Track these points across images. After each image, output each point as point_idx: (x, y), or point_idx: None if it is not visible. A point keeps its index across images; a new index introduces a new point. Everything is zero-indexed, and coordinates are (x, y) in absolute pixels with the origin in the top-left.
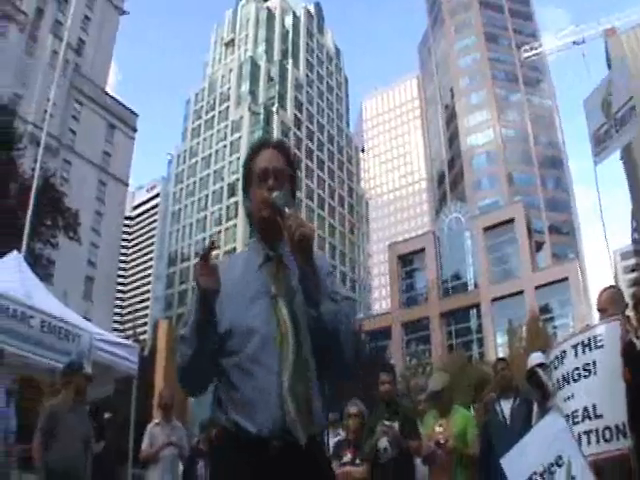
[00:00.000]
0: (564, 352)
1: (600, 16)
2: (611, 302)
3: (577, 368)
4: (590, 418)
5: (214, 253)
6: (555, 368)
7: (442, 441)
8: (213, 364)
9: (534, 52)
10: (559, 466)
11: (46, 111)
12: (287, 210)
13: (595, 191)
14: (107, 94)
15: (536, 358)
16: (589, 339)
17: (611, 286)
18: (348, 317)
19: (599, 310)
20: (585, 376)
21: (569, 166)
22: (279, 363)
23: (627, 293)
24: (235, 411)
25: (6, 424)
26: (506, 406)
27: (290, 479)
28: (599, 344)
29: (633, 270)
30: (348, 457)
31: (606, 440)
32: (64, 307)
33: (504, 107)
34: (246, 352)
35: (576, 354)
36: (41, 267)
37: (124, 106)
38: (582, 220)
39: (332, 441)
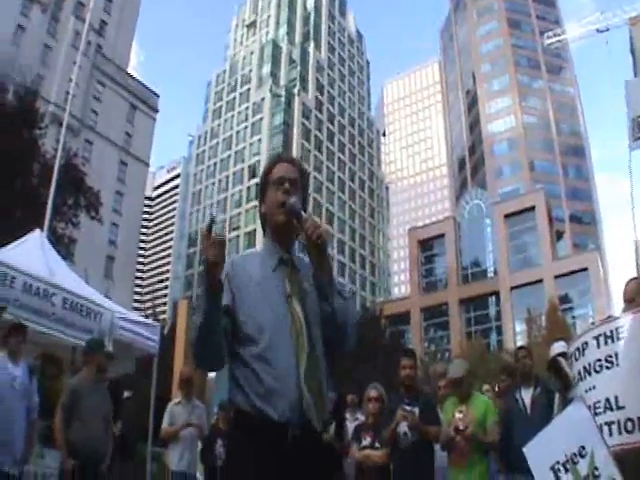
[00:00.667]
0: (586, 343)
1: (625, 4)
2: (638, 292)
3: (599, 359)
4: (612, 409)
5: (232, 234)
6: (576, 360)
7: (461, 427)
8: (226, 340)
9: (557, 39)
10: (582, 456)
11: (68, 92)
12: (303, 214)
13: (618, 179)
14: (129, 75)
15: (558, 347)
16: (612, 331)
17: (635, 278)
18: (353, 312)
19: (626, 301)
20: (607, 367)
21: (591, 154)
22: (296, 356)
23: None
24: (257, 397)
25: (29, 400)
26: (526, 395)
27: (307, 463)
28: (622, 336)
29: None
30: (368, 441)
31: (628, 431)
32: (86, 285)
33: (526, 94)
34: (264, 344)
35: (598, 345)
36: (63, 246)
37: (145, 87)
38: (603, 210)
39: (351, 425)
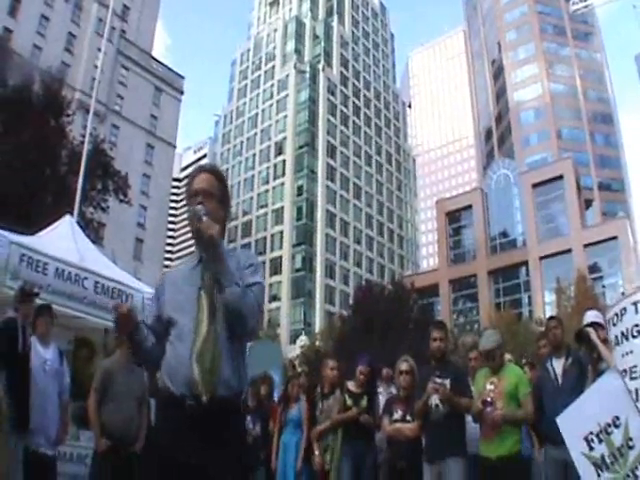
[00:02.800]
0: (624, 309)
1: None
2: None
3: (637, 325)
4: None
5: (260, 212)
6: (614, 325)
7: (488, 399)
8: (161, 340)
9: (583, 4)
10: (616, 427)
11: (94, 78)
12: (204, 219)
13: None
14: (153, 58)
15: (590, 316)
16: None
17: None
18: (251, 300)
19: None
20: None
21: (619, 122)
22: (194, 338)
23: None
24: (165, 375)
25: (60, 381)
26: (558, 365)
27: (198, 426)
28: None
29: None
30: (399, 414)
31: None
32: (116, 268)
33: (552, 61)
34: (175, 332)
35: (636, 311)
36: (92, 230)
37: (170, 69)
38: (632, 177)
39: (383, 397)
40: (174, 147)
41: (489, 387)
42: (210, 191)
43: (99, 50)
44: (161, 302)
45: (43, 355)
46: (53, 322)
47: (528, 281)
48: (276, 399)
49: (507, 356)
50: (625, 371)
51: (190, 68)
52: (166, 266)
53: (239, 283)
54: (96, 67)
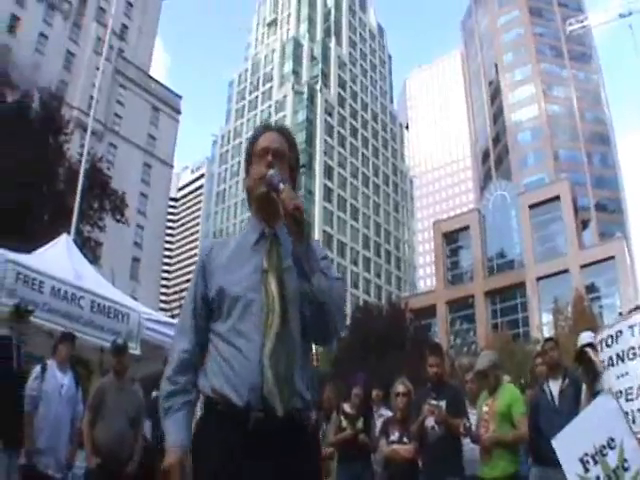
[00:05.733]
0: (620, 331)
1: None
2: None
3: (633, 347)
4: None
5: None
6: (608, 346)
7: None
8: (204, 325)
9: (579, 25)
10: (611, 448)
11: (92, 97)
12: (282, 186)
13: None
14: (151, 78)
15: (586, 338)
16: None
17: None
18: (340, 294)
19: None
20: None
21: (616, 142)
22: (262, 334)
23: None
24: (218, 380)
25: (74, 407)
26: (554, 386)
27: (269, 452)
28: None
29: None
30: (396, 435)
31: None
32: (112, 288)
33: (549, 82)
34: (231, 321)
35: (633, 334)
36: (89, 249)
37: (168, 89)
38: (629, 197)
39: (378, 419)
40: (171, 167)
41: (484, 409)
42: (283, 152)
43: (97, 69)
44: (211, 281)
45: (60, 380)
46: (74, 349)
47: (525, 302)
48: None
49: (506, 377)
50: (620, 392)
51: (189, 88)
52: (164, 286)
53: (326, 272)
54: (94, 86)
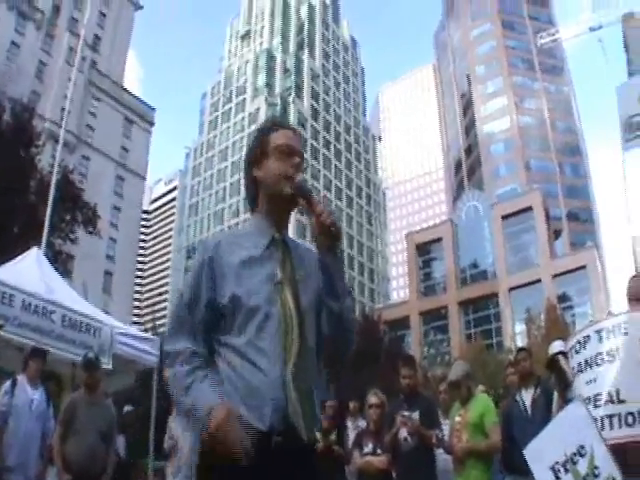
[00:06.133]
0: (587, 337)
1: (617, 2)
2: None
3: (600, 353)
4: (613, 402)
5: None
6: (577, 352)
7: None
8: (207, 335)
9: (551, 39)
10: (582, 456)
11: (64, 108)
12: (316, 197)
13: (612, 178)
14: (124, 89)
15: (557, 346)
16: (614, 326)
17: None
18: (353, 311)
19: (630, 299)
20: (609, 361)
21: (587, 153)
22: (284, 351)
23: None
24: (235, 401)
25: (45, 423)
26: (527, 396)
27: (290, 476)
28: (624, 331)
29: None
30: (369, 447)
31: (628, 425)
32: (84, 301)
33: (521, 94)
34: (247, 335)
35: (600, 339)
36: (61, 262)
37: (141, 100)
38: (600, 207)
39: (353, 432)
40: (144, 179)
41: (457, 419)
42: (303, 157)
43: (69, 80)
44: (222, 285)
45: (30, 395)
46: (45, 365)
47: (498, 312)
48: None
49: (480, 387)
50: (589, 399)
51: (162, 100)
52: (137, 299)
53: (351, 294)
54: (66, 97)
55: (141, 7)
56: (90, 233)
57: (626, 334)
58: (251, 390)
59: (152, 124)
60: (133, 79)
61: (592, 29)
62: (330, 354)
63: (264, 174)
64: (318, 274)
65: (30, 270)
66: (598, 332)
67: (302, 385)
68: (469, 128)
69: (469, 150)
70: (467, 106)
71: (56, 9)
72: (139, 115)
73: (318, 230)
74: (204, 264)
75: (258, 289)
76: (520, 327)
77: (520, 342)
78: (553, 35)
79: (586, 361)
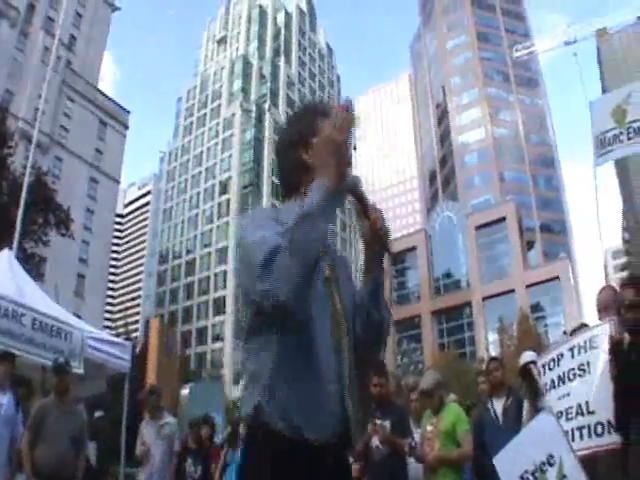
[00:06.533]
0: (561, 355)
1: (591, 17)
2: (611, 301)
3: (572, 369)
4: (583, 414)
5: (204, 251)
6: (550, 369)
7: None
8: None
9: (526, 51)
10: (551, 465)
11: (37, 108)
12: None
13: (585, 191)
14: (99, 91)
15: (528, 356)
16: (585, 341)
17: (608, 286)
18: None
19: (599, 310)
20: (580, 375)
21: (560, 165)
22: (339, 356)
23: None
24: (297, 415)
25: (14, 428)
26: (498, 405)
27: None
28: (594, 345)
29: (623, 269)
30: None
31: (597, 435)
32: (56, 305)
33: (496, 106)
34: (306, 335)
35: (572, 356)
36: (33, 265)
37: (116, 103)
38: (573, 219)
39: None
40: (118, 182)
41: (429, 428)
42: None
43: (44, 79)
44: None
45: None
46: (14, 369)
47: (472, 321)
48: (217, 441)
49: (452, 396)
50: (561, 413)
51: (138, 103)
52: (109, 303)
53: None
54: (40, 97)
55: (118, 8)
56: (63, 235)
57: (596, 347)
58: (314, 404)
59: (127, 127)
60: (109, 80)
61: (567, 43)
62: (361, 356)
63: (312, 159)
64: (351, 282)
65: (0, 272)
66: (571, 349)
67: (353, 395)
68: (444, 138)
69: (444, 160)
70: (442, 116)
71: (31, 7)
72: (114, 117)
73: (371, 236)
74: (275, 221)
75: (314, 290)
76: (493, 336)
77: (493, 352)
78: (528, 48)
79: (559, 377)
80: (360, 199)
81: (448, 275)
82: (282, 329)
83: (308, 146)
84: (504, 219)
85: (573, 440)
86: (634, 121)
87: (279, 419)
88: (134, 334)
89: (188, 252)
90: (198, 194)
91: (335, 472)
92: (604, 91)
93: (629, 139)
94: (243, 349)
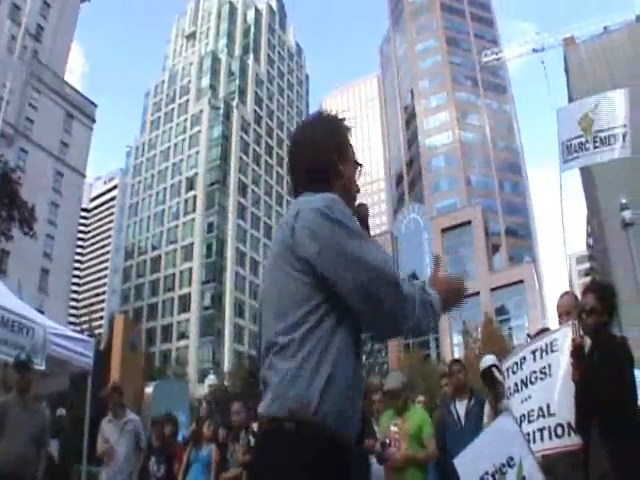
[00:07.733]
0: (524, 358)
1: (559, 25)
2: (571, 306)
3: (534, 372)
4: (544, 416)
5: (170, 248)
6: (513, 373)
7: (387, 441)
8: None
9: (494, 57)
10: (510, 466)
11: (2, 98)
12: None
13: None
14: (66, 83)
15: (488, 360)
16: (547, 344)
17: (568, 291)
18: None
19: (560, 314)
20: (541, 378)
21: (527, 171)
22: (361, 366)
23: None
24: (340, 414)
25: None
26: (461, 407)
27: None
28: (555, 348)
29: (587, 274)
30: None
31: (558, 436)
32: (18, 300)
33: (463, 110)
34: (354, 335)
35: (534, 359)
36: None
37: (83, 96)
38: (538, 224)
39: None
40: (84, 176)
41: (393, 428)
42: None
43: (10, 69)
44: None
45: None
46: None
47: (437, 324)
48: (181, 439)
49: (420, 397)
50: (524, 416)
51: (105, 96)
52: (73, 299)
53: None
54: (5, 86)
55: (87, 0)
56: (25, 234)
57: (556, 351)
58: (352, 404)
59: (94, 120)
60: (77, 72)
61: (535, 50)
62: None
63: (345, 172)
64: None
65: None
66: (533, 352)
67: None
68: (411, 141)
69: (411, 163)
70: (410, 119)
71: None
72: (80, 110)
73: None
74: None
75: None
76: (458, 339)
77: (457, 354)
78: (497, 54)
79: (522, 380)
80: (362, 222)
81: (413, 277)
82: (352, 330)
83: (343, 156)
84: (470, 223)
85: (534, 442)
86: (600, 130)
87: (331, 410)
88: (98, 330)
89: (154, 248)
90: (164, 190)
91: (359, 466)
92: (570, 99)
93: (595, 147)
94: (301, 336)
